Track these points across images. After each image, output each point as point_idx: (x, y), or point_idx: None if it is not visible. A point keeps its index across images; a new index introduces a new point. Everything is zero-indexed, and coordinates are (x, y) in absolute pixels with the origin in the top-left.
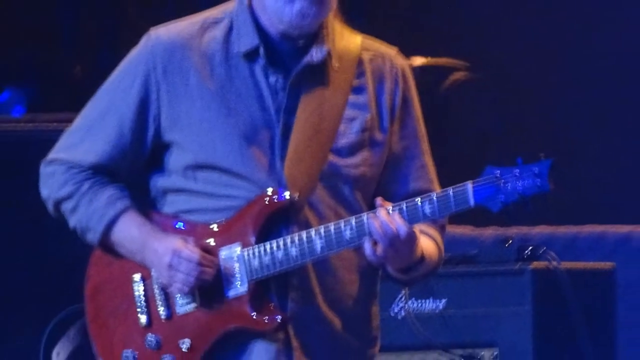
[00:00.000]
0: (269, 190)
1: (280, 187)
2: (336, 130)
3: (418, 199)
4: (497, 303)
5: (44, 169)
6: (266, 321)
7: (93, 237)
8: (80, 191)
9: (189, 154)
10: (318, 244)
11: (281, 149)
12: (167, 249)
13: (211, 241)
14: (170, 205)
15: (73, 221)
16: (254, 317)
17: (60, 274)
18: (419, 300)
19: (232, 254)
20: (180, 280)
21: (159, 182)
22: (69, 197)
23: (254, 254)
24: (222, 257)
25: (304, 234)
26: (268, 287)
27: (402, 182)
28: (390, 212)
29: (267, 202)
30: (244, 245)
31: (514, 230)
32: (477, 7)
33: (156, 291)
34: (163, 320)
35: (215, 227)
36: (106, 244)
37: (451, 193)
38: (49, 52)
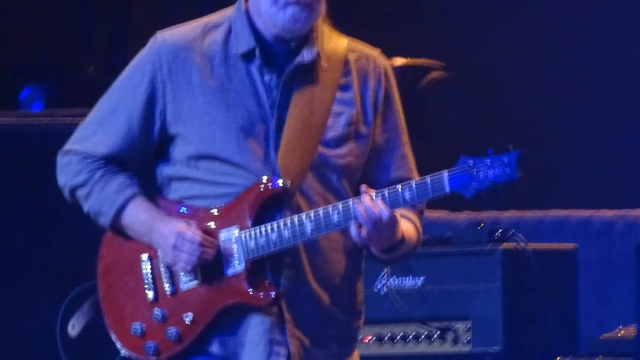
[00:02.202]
0: (264, 178)
1: (274, 175)
2: (325, 124)
3: (399, 186)
4: (470, 280)
5: (61, 159)
6: (261, 297)
7: (105, 220)
8: (93, 179)
9: (191, 145)
10: (308, 227)
11: (275, 141)
12: (171, 231)
13: (212, 224)
14: (175, 191)
15: (87, 206)
16: (251, 293)
17: (75, 254)
18: (400, 278)
19: (231, 236)
20: (184, 260)
21: (165, 171)
22: (83, 184)
23: (250, 235)
24: (222, 238)
25: (295, 218)
26: (263, 265)
27: (384, 171)
28: (374, 198)
29: (262, 189)
30: (242, 227)
31: (486, 215)
32: (452, 14)
33: (162, 269)
34: (168, 296)
35: (215, 211)
36: (117, 227)
37: (429, 181)
38: (66, 53)
